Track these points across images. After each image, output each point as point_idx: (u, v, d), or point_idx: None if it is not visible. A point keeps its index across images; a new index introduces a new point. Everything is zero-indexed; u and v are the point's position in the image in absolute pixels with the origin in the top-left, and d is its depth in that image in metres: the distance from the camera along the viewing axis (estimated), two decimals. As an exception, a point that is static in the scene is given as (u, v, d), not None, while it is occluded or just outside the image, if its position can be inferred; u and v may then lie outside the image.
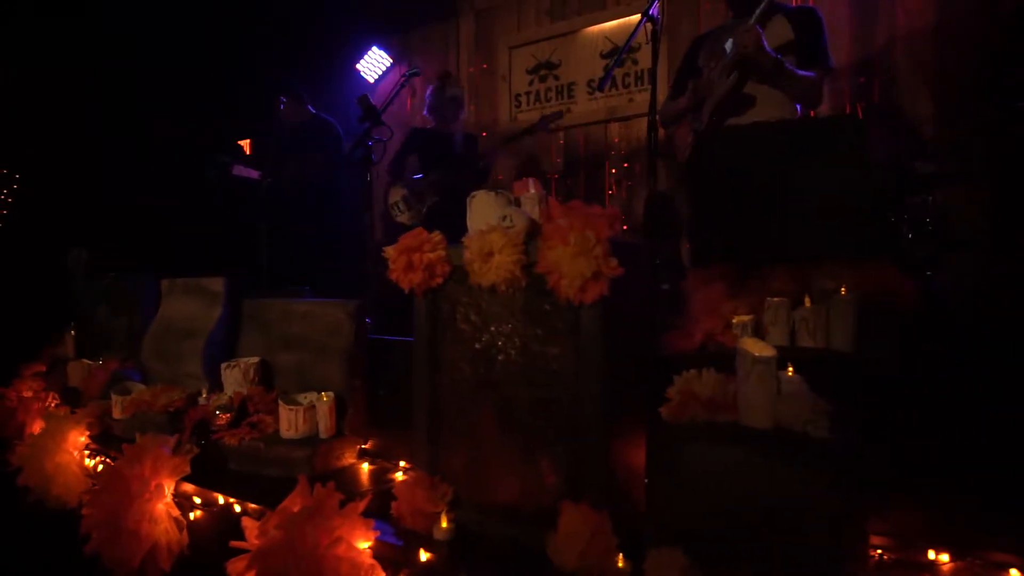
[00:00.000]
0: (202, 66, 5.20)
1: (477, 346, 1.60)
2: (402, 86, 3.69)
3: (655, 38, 2.68)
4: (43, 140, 4.77)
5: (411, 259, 1.62)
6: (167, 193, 4.61)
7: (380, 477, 2.06)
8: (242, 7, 5.35)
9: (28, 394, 3.13)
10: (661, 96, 4.69)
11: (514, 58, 5.57)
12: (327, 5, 5.76)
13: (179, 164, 4.62)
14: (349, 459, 2.15)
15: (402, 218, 4.35)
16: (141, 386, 2.62)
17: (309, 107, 4.67)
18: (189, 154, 4.64)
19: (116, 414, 2.56)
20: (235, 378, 2.23)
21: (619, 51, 2.56)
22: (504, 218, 1.59)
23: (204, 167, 4.34)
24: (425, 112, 4.42)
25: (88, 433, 2.50)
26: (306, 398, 2.16)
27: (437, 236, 1.64)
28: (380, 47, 6.08)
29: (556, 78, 5.38)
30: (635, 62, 5.03)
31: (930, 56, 3.89)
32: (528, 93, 5.50)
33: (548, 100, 5.42)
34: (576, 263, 1.36)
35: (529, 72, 5.50)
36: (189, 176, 4.46)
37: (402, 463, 2.10)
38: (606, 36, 5.15)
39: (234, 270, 2.92)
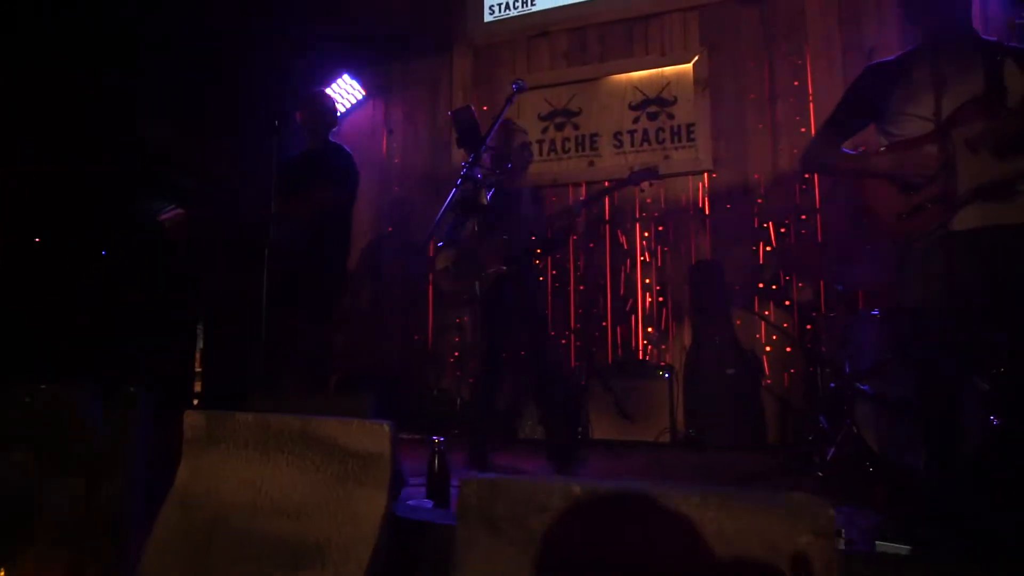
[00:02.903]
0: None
1: None
2: (509, 102, 2.37)
3: None
4: None
5: None
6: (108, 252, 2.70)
7: None
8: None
9: None
10: (681, 155, 3.72)
11: (525, 102, 4.40)
12: (288, 20, 4.22)
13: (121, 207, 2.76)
14: None
15: (455, 287, 2.94)
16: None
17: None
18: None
19: None
20: None
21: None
22: None
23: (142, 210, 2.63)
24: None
25: None
26: None
27: None
28: (353, 76, 4.62)
29: (576, 127, 4.32)
30: (671, 116, 4.10)
31: None
32: (541, 141, 4.36)
33: (567, 151, 4.32)
34: None
35: (542, 118, 4.38)
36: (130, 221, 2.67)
37: None
38: (635, 86, 4.20)
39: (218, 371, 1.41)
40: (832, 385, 3.06)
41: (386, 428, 1.05)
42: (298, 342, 2.82)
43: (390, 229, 4.62)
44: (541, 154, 4.35)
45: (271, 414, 1.14)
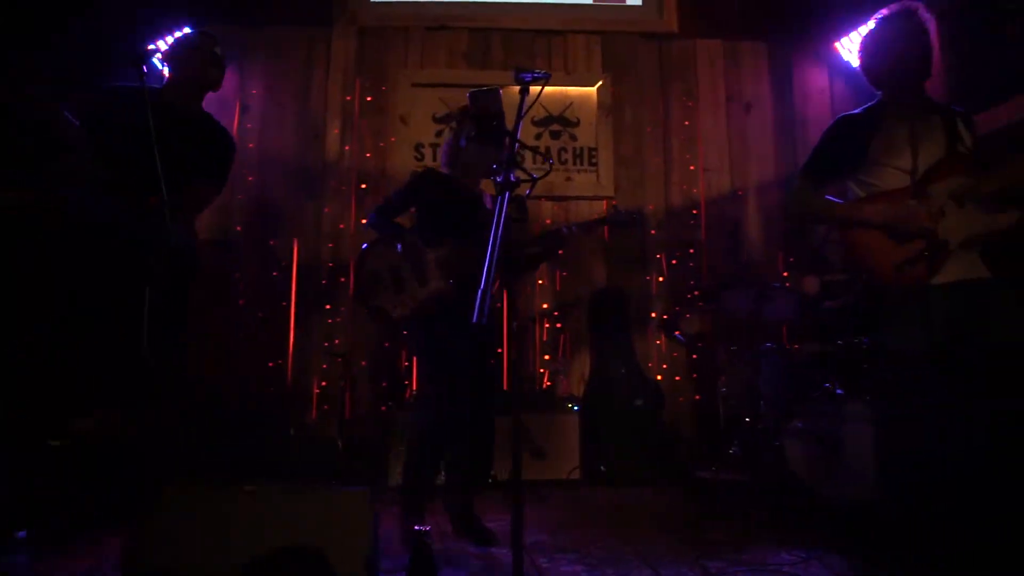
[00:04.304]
0: None
1: None
2: (525, 93, 1.87)
3: None
4: None
5: None
6: None
7: None
8: None
9: None
10: (583, 178, 3.62)
11: (418, 99, 3.82)
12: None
13: None
14: None
15: (383, 300, 2.28)
16: None
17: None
18: None
19: None
20: None
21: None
22: None
23: None
24: (444, 161, 2.48)
25: None
26: None
27: None
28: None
29: (475, 135, 3.83)
30: (574, 138, 3.89)
31: None
32: (435, 145, 3.82)
33: (464, 159, 3.80)
34: None
35: (437, 120, 3.85)
36: None
37: None
38: (540, 103, 3.88)
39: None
40: (747, 419, 3.03)
41: None
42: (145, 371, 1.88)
43: (239, 228, 3.61)
44: (435, 160, 3.79)
45: None
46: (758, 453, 2.88)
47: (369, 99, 3.81)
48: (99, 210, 1.50)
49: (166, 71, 3.00)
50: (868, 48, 2.06)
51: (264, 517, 1.00)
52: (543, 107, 3.91)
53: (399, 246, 2.29)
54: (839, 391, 2.72)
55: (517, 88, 1.80)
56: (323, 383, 3.54)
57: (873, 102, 2.09)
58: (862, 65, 2.11)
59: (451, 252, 2.29)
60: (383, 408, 3.47)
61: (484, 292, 1.23)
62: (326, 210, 3.69)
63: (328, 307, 3.59)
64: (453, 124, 2.62)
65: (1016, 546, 1.74)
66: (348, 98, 3.79)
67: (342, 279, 3.59)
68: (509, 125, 1.83)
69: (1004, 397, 1.86)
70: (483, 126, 1.68)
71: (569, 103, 3.92)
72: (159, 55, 3.22)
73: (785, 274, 3.82)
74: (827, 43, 3.94)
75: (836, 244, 3.30)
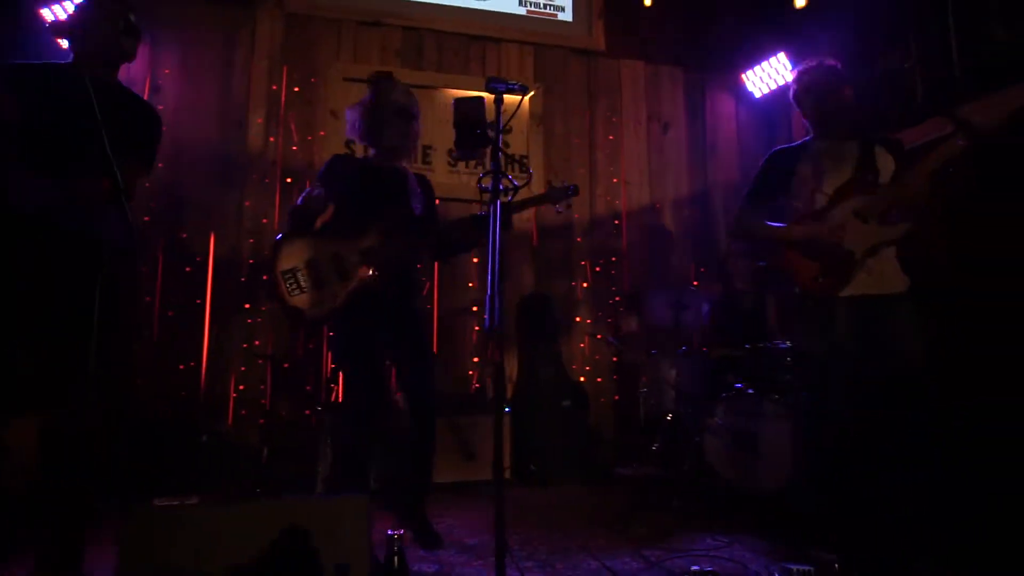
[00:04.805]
0: None
1: None
2: (498, 101, 1.90)
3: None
4: None
5: None
6: None
7: None
8: None
9: None
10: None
11: (350, 93, 3.71)
12: None
13: None
14: None
15: (298, 299, 2.17)
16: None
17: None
18: None
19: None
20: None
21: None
22: None
23: None
24: (355, 134, 2.41)
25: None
26: None
27: None
28: (102, 0, 3.20)
29: (408, 135, 3.78)
30: (506, 144, 3.93)
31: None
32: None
33: (397, 159, 3.75)
34: None
35: (369, 117, 3.72)
36: None
37: None
38: (473, 106, 3.90)
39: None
40: (669, 417, 3.22)
41: None
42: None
43: (147, 219, 3.31)
44: (366, 153, 3.69)
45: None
46: (678, 449, 3.08)
47: (297, 89, 3.63)
48: (46, 198, 1.31)
49: (65, 43, 2.69)
50: (802, 91, 2.30)
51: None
52: (477, 112, 3.93)
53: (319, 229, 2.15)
54: (750, 391, 2.98)
55: (459, 92, 1.83)
56: (241, 387, 3.32)
57: (807, 137, 2.36)
58: (798, 104, 2.35)
59: (378, 240, 2.18)
60: (307, 412, 3.32)
61: (492, 298, 1.24)
62: (247, 204, 3.47)
63: (248, 306, 3.38)
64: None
65: (917, 524, 2.01)
66: (274, 87, 3.59)
67: (264, 276, 3.39)
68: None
69: (895, 397, 2.15)
70: (464, 134, 1.67)
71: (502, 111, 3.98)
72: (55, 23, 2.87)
73: (696, 283, 4.13)
74: (735, 75, 4.31)
75: (738, 257, 3.62)
